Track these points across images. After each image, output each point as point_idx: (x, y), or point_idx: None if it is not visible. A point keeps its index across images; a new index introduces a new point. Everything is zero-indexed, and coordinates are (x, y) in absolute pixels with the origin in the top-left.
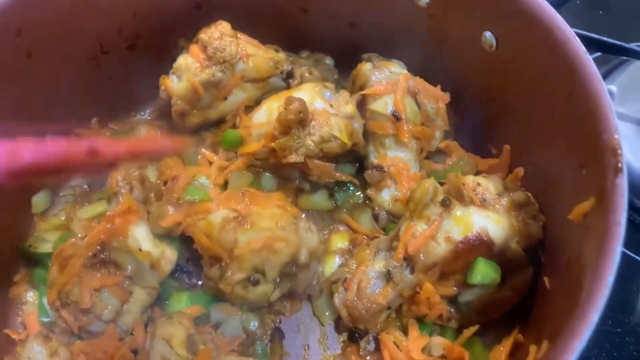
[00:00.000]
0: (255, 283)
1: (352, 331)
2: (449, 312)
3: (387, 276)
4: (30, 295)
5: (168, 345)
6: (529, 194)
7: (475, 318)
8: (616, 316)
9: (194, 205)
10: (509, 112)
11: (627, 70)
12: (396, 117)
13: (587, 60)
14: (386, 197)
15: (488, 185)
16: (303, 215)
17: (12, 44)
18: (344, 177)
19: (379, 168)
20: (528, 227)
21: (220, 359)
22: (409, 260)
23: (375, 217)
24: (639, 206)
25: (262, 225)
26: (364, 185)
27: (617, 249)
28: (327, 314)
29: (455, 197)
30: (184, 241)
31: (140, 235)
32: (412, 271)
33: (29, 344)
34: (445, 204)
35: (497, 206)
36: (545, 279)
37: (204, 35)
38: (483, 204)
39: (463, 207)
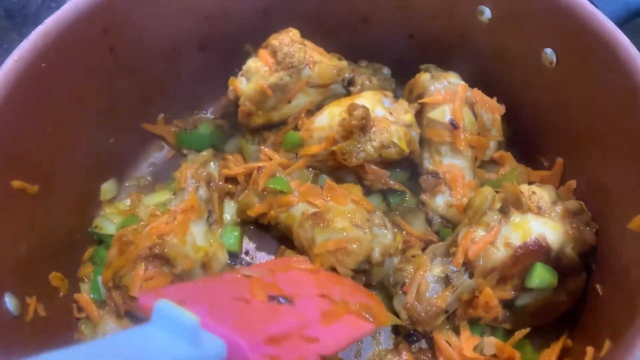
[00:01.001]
0: None
1: (410, 333)
2: (504, 316)
3: (446, 280)
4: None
5: None
6: (582, 203)
7: (529, 321)
8: None
9: (277, 197)
10: (565, 126)
11: None
12: (454, 126)
13: None
14: (440, 202)
15: (543, 194)
16: (377, 212)
17: (98, 40)
18: (396, 186)
19: (435, 174)
20: (582, 233)
21: None
22: (468, 265)
23: (429, 222)
24: None
25: (337, 226)
26: (415, 191)
27: None
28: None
29: (512, 205)
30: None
31: (198, 233)
32: (471, 276)
33: (104, 321)
34: (504, 211)
35: (552, 214)
36: (598, 286)
37: (275, 41)
38: (539, 211)
39: (521, 214)
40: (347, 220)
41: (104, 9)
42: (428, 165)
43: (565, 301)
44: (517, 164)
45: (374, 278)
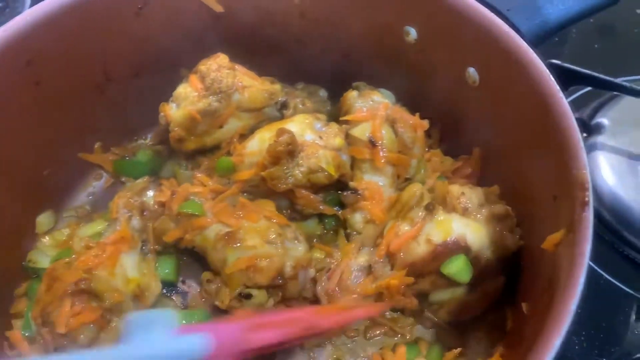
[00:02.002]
0: (247, 297)
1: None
2: (419, 306)
3: (369, 270)
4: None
5: None
6: (509, 208)
7: (446, 317)
8: (603, 346)
9: (191, 220)
10: (490, 144)
11: (619, 104)
12: (372, 143)
13: (560, 98)
14: (358, 218)
15: (472, 196)
16: (291, 225)
17: (23, 74)
18: (327, 211)
19: (354, 191)
20: (504, 238)
21: None
22: (390, 257)
23: (347, 237)
24: (630, 240)
25: (248, 243)
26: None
27: (580, 278)
28: None
29: (440, 203)
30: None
31: (130, 264)
32: (392, 268)
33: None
34: (429, 209)
35: (478, 216)
36: (523, 305)
37: (203, 66)
38: (465, 212)
39: (446, 213)
40: (258, 237)
41: (26, 40)
42: (350, 182)
43: (479, 300)
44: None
45: (291, 292)
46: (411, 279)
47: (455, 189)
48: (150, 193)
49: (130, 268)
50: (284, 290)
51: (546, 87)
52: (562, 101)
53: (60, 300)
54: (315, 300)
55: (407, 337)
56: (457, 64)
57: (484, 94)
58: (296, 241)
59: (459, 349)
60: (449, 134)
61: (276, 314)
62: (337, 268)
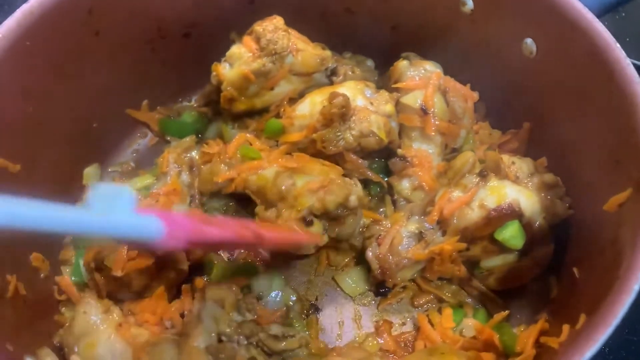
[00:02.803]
0: (309, 224)
1: (380, 284)
2: (469, 273)
3: (419, 236)
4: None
5: (220, 307)
6: (557, 177)
7: (495, 284)
8: (634, 325)
9: (246, 163)
10: (545, 114)
11: None
12: (424, 111)
13: (627, 65)
14: (406, 185)
15: (522, 165)
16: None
17: (84, 22)
18: (373, 177)
19: (403, 158)
20: (555, 205)
21: (265, 327)
22: (442, 224)
23: (394, 204)
24: None
25: (315, 173)
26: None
27: None
28: (354, 284)
29: (491, 170)
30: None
31: None
32: (444, 234)
33: (84, 300)
34: (483, 175)
35: (529, 184)
36: (575, 270)
37: (259, 27)
38: (516, 180)
39: (498, 180)
40: (324, 173)
41: None
42: (398, 149)
43: (531, 267)
44: (492, 130)
45: (346, 231)
46: (463, 245)
47: (506, 158)
48: (195, 152)
49: None
50: (340, 227)
51: (612, 55)
52: (629, 68)
53: (115, 245)
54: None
55: (452, 302)
56: (513, 35)
57: (541, 64)
58: (355, 185)
59: (506, 311)
60: (495, 107)
61: (227, 219)
62: (387, 234)
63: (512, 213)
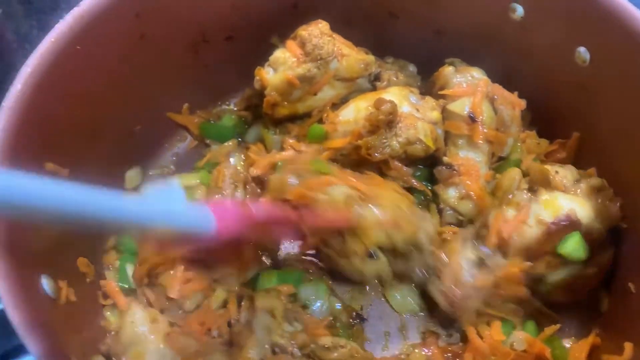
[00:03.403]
0: (374, 258)
1: (445, 319)
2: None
3: (480, 263)
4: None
5: (271, 317)
6: (603, 180)
7: (562, 297)
8: None
9: (315, 177)
10: (596, 124)
11: None
12: (472, 119)
13: None
14: (453, 194)
15: (566, 173)
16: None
17: (131, 26)
18: (418, 186)
19: (449, 166)
20: (608, 208)
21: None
22: (501, 246)
23: (440, 212)
24: None
25: (386, 204)
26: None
27: None
28: (403, 301)
29: (540, 184)
30: None
31: None
32: (504, 256)
33: (132, 309)
34: (533, 190)
35: (577, 191)
36: (630, 285)
37: (304, 32)
38: (565, 189)
39: (549, 192)
40: (395, 203)
41: None
42: (444, 156)
43: (596, 274)
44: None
45: (412, 266)
46: (529, 264)
47: (549, 167)
48: (234, 157)
49: None
50: (406, 262)
51: None
52: None
53: (172, 264)
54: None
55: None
56: (566, 43)
57: (594, 73)
58: (426, 218)
59: (557, 325)
60: (542, 115)
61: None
62: (448, 266)
63: (571, 224)
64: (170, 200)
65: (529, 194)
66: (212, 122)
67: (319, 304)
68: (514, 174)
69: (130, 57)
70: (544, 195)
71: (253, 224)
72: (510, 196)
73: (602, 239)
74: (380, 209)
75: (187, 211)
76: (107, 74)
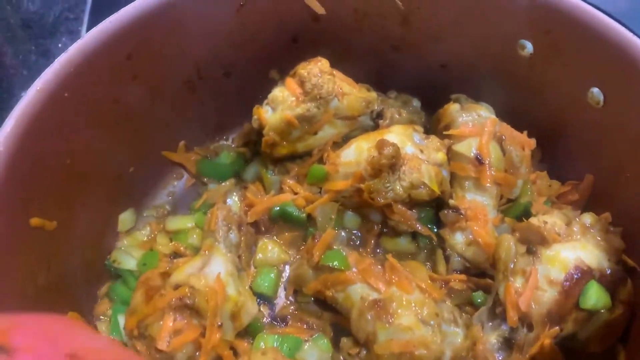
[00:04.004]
0: None
1: None
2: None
3: (508, 343)
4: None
5: None
6: (592, 213)
7: (599, 347)
8: None
9: (333, 274)
10: (610, 167)
11: None
12: (479, 161)
13: None
14: (460, 239)
15: (555, 220)
16: (447, 302)
17: (122, 67)
18: (423, 231)
19: (456, 209)
20: (609, 241)
21: None
22: (523, 319)
23: (447, 259)
24: None
25: (402, 322)
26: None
27: None
28: None
29: (536, 242)
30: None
31: (229, 282)
32: (530, 328)
33: None
34: (532, 252)
35: (574, 236)
36: None
37: (303, 70)
38: (562, 239)
39: (548, 249)
40: (413, 315)
41: (130, 34)
42: (450, 199)
43: (624, 312)
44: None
45: None
46: (557, 330)
47: (535, 220)
48: (234, 198)
49: (229, 286)
50: None
51: None
52: None
53: (160, 313)
54: None
55: None
56: (578, 83)
57: (609, 115)
58: (453, 325)
59: None
60: (550, 155)
61: None
62: (478, 359)
63: (583, 274)
64: None
65: (531, 257)
66: (209, 159)
67: None
68: (507, 242)
69: (122, 98)
70: (545, 253)
71: None
72: (511, 265)
73: (616, 275)
74: (395, 330)
75: None
76: (97, 118)
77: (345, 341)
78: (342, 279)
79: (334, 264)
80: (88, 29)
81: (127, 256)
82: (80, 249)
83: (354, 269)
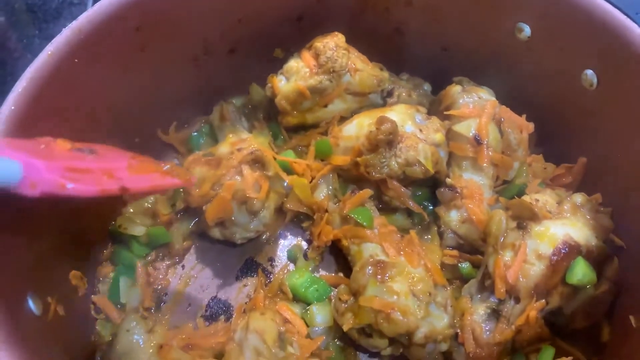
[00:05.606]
0: (368, 336)
1: None
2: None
3: (495, 315)
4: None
5: (261, 340)
6: (583, 193)
7: (584, 322)
8: None
9: (356, 228)
10: (602, 149)
11: None
12: (477, 141)
13: None
14: (454, 216)
15: (546, 199)
16: (447, 288)
17: (131, 39)
18: (415, 208)
19: (452, 188)
20: (598, 220)
21: None
22: (510, 291)
23: (440, 235)
24: None
25: (393, 286)
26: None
27: None
28: None
29: (527, 218)
30: None
31: None
32: (517, 300)
33: (127, 318)
34: (523, 227)
35: (564, 213)
36: (631, 318)
37: (320, 43)
38: (552, 215)
39: (538, 224)
40: (407, 285)
41: (139, 6)
42: (447, 178)
43: (609, 289)
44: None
45: (412, 355)
46: (543, 303)
47: (527, 198)
48: None
49: None
50: (405, 349)
51: None
52: None
53: (237, 169)
54: None
55: None
56: (573, 65)
57: (602, 97)
58: (443, 309)
59: (570, 358)
60: (546, 138)
61: (96, 160)
62: (464, 329)
63: (571, 250)
64: None
65: (521, 232)
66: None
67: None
68: (498, 217)
69: (129, 69)
70: (535, 228)
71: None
72: (502, 239)
73: (603, 253)
74: (382, 289)
75: None
76: (105, 87)
77: (342, 287)
78: (362, 234)
79: (360, 218)
80: None
81: (133, 223)
82: (85, 212)
83: (376, 230)
